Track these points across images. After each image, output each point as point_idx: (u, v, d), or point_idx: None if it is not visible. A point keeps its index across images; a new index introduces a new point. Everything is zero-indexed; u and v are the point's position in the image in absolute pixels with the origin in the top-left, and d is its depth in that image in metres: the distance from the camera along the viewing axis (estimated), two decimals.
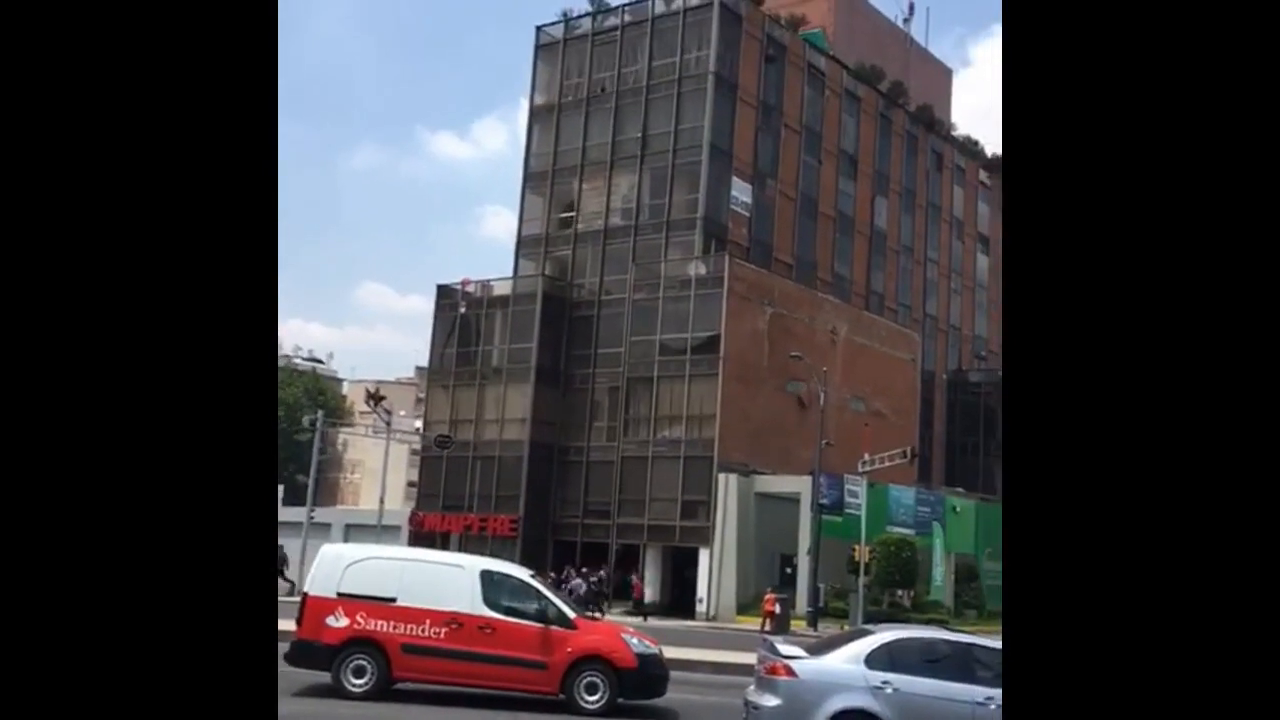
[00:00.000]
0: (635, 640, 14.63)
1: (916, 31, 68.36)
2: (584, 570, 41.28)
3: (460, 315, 50.67)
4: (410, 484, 62.78)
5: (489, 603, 14.30)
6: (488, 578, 14.65)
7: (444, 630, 14.05)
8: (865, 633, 12.06)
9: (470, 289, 51.53)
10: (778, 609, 34.73)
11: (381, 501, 42.75)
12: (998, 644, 11.52)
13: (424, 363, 57.16)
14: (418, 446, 55.60)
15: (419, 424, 58.27)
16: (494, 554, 39.13)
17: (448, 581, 14.60)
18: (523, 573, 15.55)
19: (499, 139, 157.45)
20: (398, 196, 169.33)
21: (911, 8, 67.92)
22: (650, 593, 43.69)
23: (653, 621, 35.35)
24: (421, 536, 46.99)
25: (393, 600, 14.26)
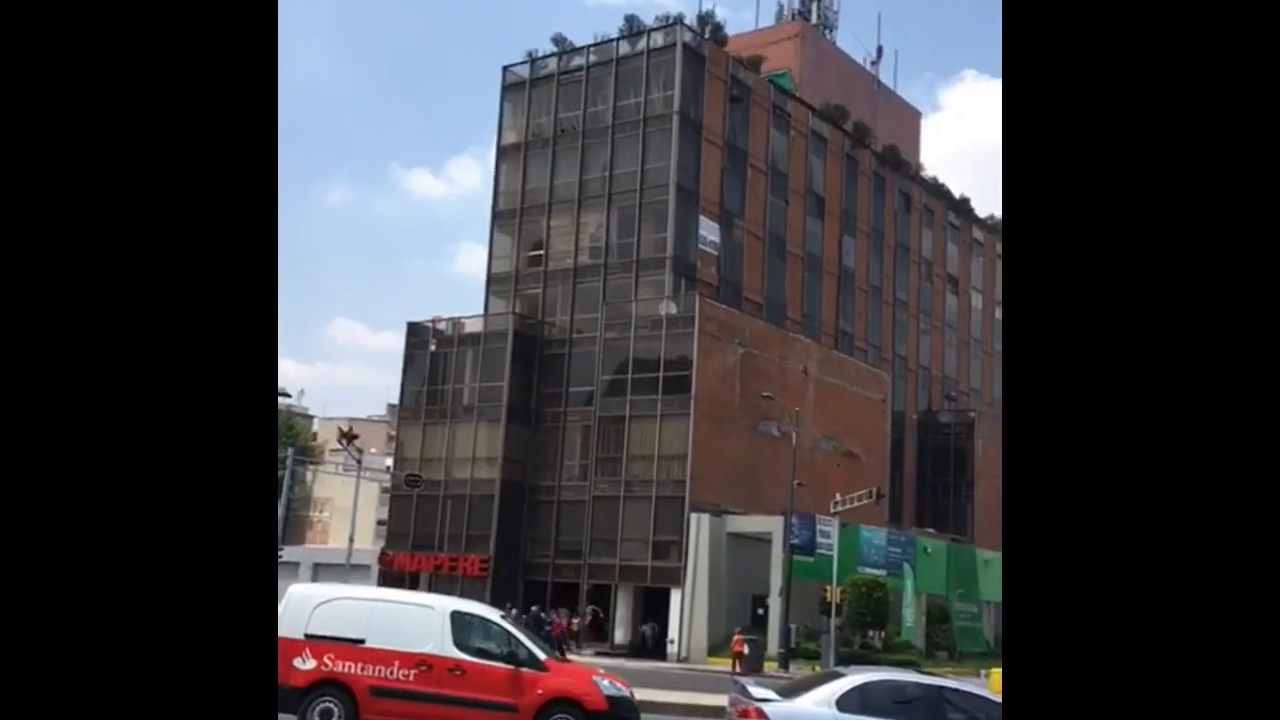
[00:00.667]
0: (606, 682, 14.51)
1: (885, 75, 69.31)
2: (533, 609, 41.15)
3: (431, 353, 50.52)
4: (380, 522, 62.14)
5: (459, 644, 14.15)
6: (458, 619, 14.51)
7: (413, 672, 13.88)
8: (837, 675, 12.01)
9: (441, 326, 51.43)
10: (746, 650, 34.58)
11: (351, 540, 42.28)
12: (969, 687, 11.52)
13: (395, 400, 56.78)
14: (388, 485, 55.12)
15: (390, 462, 57.85)
16: (464, 594, 38.69)
17: (417, 623, 14.44)
18: (493, 613, 15.42)
19: (472, 176, 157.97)
20: (371, 233, 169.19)
21: (880, 50, 68.94)
22: (621, 633, 43.44)
23: (623, 662, 35.08)
24: (391, 576, 46.55)
25: (361, 641, 14.08)
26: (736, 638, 35.74)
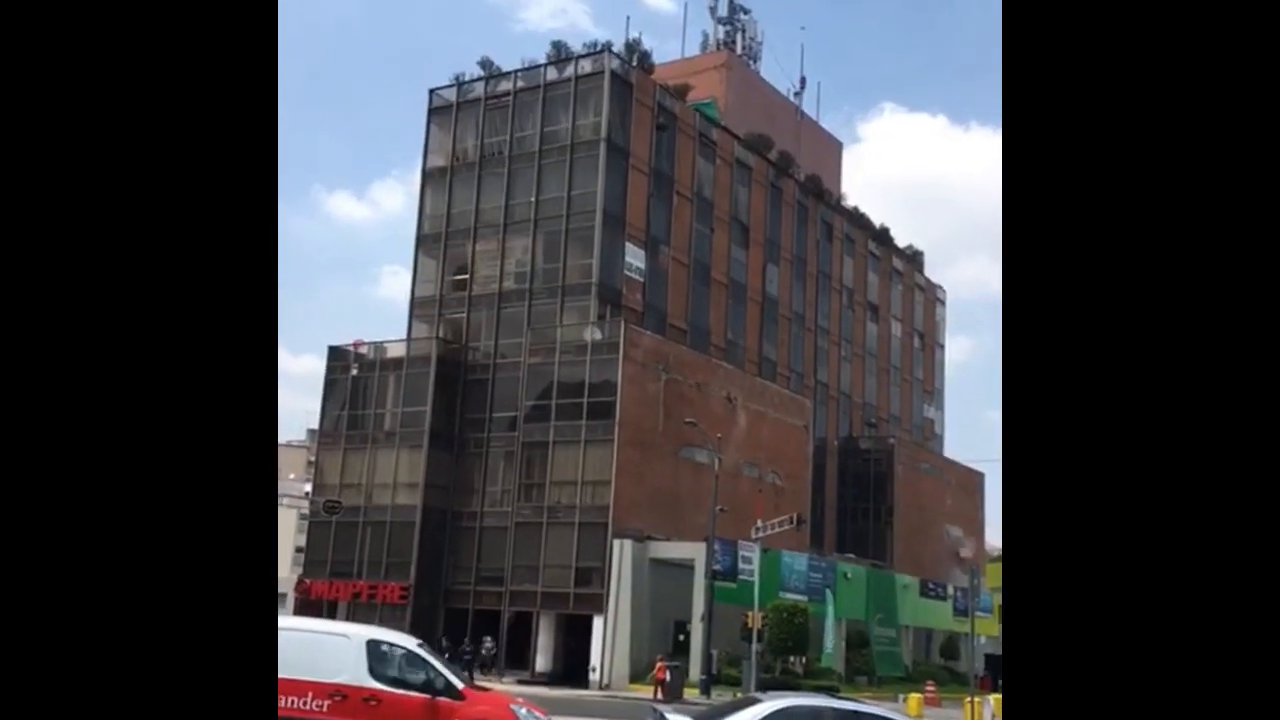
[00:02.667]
0: (524, 711, 14.39)
1: (808, 106, 70.34)
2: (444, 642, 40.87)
3: (353, 377, 49.89)
4: (298, 549, 61.09)
5: (375, 674, 13.95)
6: (374, 648, 14.30)
7: (327, 703, 13.64)
8: (754, 700, 12.07)
9: (363, 350, 50.85)
10: (668, 676, 34.57)
11: None
12: (885, 711, 11.62)
13: (315, 424, 55.91)
14: (306, 511, 54.23)
15: (308, 488, 56.89)
16: (384, 622, 38.22)
17: (332, 652, 14.20)
18: (410, 642, 15.21)
19: (396, 200, 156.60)
20: (292, 255, 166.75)
21: (803, 81, 69.89)
22: (543, 661, 43.13)
23: (544, 690, 34.81)
24: (308, 604, 45.70)
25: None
26: (659, 664, 35.69)
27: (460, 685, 14.34)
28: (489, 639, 42.37)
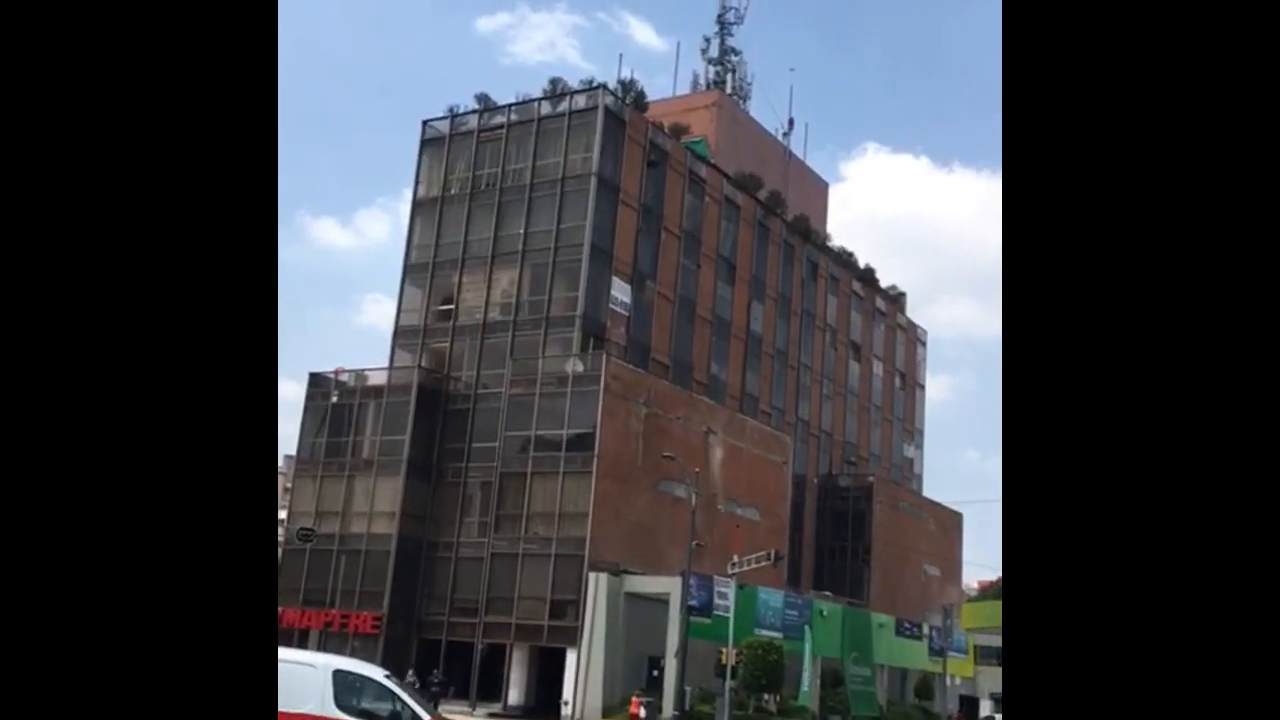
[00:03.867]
0: None
1: (795, 145, 70.93)
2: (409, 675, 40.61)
3: (333, 404, 49.78)
4: None
5: (341, 704, 13.93)
6: (341, 678, 14.29)
7: None
8: None
9: (344, 378, 50.78)
10: (643, 712, 34.42)
11: None
12: None
13: (293, 451, 55.66)
14: (280, 538, 53.86)
15: (283, 515, 56.60)
16: (356, 652, 38.03)
17: (298, 681, 14.12)
18: (377, 673, 15.19)
19: (381, 228, 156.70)
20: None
21: (791, 121, 70.50)
22: (516, 694, 42.86)
23: None
24: (280, 633, 45.31)
25: None
26: (634, 700, 35.53)
27: (427, 717, 14.32)
28: (437, 671, 42.08)
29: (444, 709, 29.97)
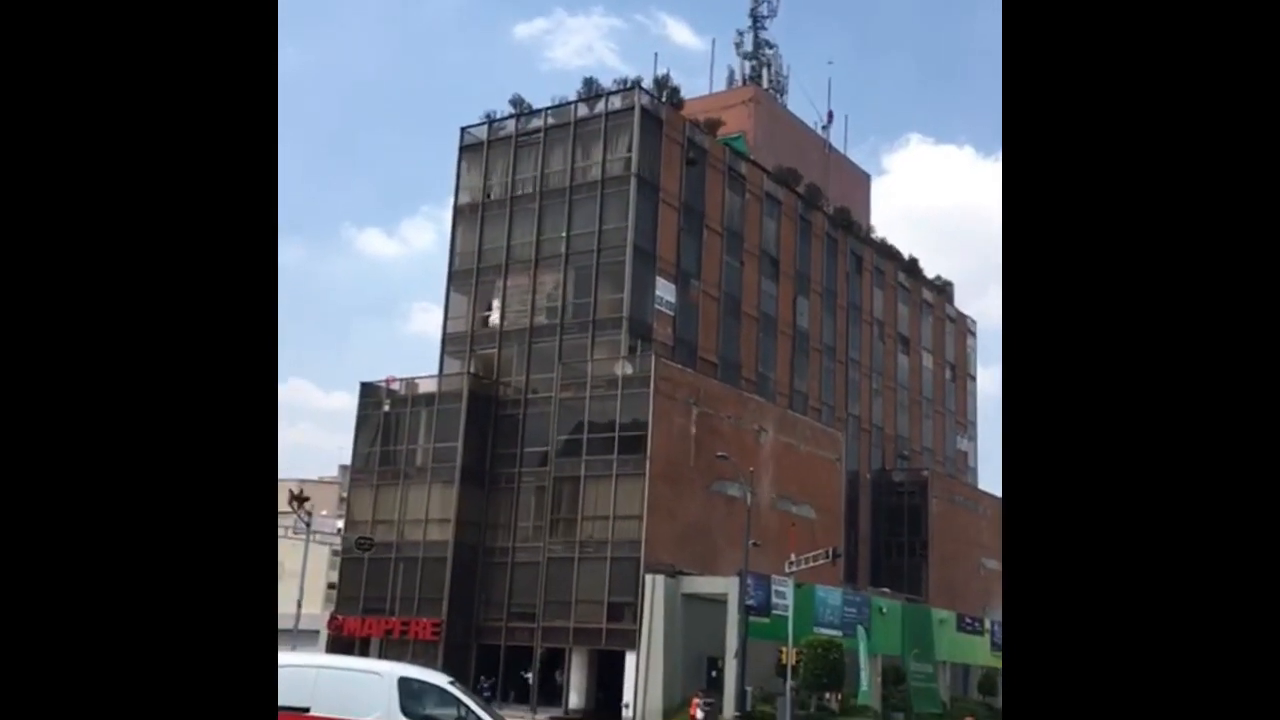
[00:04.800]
0: None
1: (835, 139, 70.41)
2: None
3: (384, 413, 50.10)
4: (330, 586, 61.12)
5: (407, 711, 13.87)
6: (406, 685, 14.23)
7: None
8: None
9: (395, 387, 51.08)
10: (701, 714, 34.24)
11: (299, 605, 41.49)
12: None
13: (347, 461, 56.12)
14: (338, 547, 54.30)
15: (340, 524, 57.06)
16: (415, 658, 38.13)
17: (364, 689, 14.14)
18: (442, 679, 15.14)
19: (426, 237, 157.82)
20: (323, 293, 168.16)
21: (830, 115, 69.99)
22: (575, 698, 42.86)
23: None
24: (341, 641, 45.69)
25: (306, 710, 13.74)
26: (694, 701, 35.37)
27: None
28: (483, 678, 42.19)
29: (504, 713, 29.96)
